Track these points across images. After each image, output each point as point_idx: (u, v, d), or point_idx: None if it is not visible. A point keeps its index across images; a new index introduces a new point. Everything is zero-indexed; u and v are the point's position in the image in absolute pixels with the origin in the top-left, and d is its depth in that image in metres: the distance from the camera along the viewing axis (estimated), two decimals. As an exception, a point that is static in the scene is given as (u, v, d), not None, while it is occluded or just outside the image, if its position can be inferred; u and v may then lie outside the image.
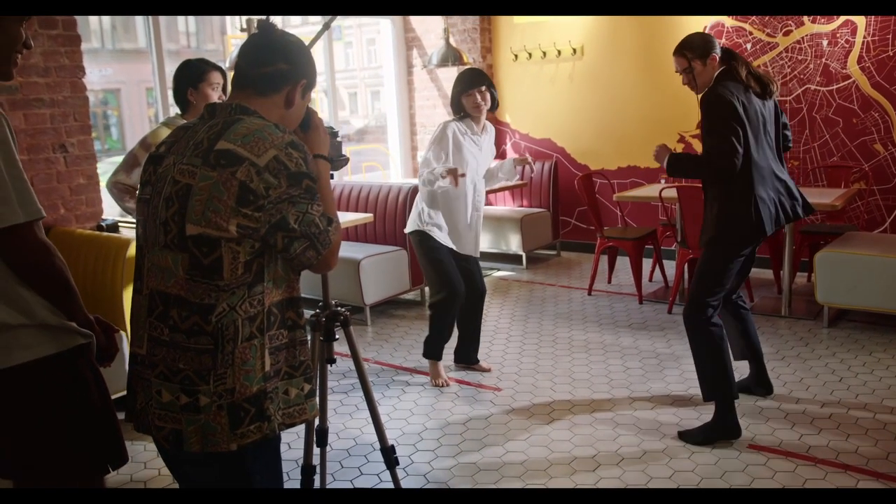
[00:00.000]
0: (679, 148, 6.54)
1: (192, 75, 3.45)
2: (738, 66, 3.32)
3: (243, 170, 1.60)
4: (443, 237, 4.00)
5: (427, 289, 5.79)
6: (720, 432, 3.37)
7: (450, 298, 4.05)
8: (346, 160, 2.39)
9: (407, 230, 4.13)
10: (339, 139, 2.39)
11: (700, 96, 3.33)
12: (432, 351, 4.19)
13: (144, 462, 3.42)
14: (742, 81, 3.30)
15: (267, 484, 1.80)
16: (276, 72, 1.76)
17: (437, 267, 4.02)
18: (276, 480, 1.84)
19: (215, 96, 3.43)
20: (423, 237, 4.01)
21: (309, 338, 4.57)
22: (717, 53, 3.35)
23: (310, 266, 1.73)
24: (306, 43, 1.92)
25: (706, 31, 6.24)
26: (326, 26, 2.72)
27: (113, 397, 2.06)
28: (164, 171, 1.71)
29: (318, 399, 1.86)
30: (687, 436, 3.40)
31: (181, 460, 1.79)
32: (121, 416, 1.93)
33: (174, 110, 3.47)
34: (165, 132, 3.46)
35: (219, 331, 1.64)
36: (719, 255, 3.37)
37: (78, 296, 1.97)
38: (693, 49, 3.36)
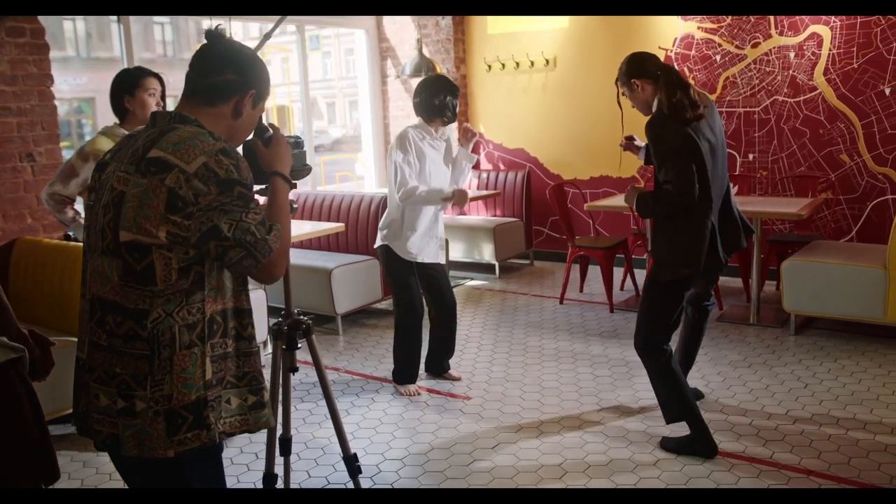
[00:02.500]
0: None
1: (127, 83, 3.45)
2: (674, 92, 3.14)
3: (172, 176, 1.61)
4: (402, 249, 4.00)
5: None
6: (696, 448, 3.33)
7: (408, 318, 4.09)
8: (309, 170, 2.39)
9: (377, 244, 4.12)
10: (303, 149, 2.39)
11: (646, 123, 3.23)
12: (404, 377, 4.20)
13: (109, 473, 3.39)
14: (682, 107, 3.12)
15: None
16: (223, 81, 1.76)
17: (397, 283, 4.07)
18: (217, 487, 1.83)
19: (153, 102, 3.43)
20: (386, 251, 4.05)
21: (270, 347, 4.55)
22: (644, 79, 3.23)
23: (250, 275, 1.74)
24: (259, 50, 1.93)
25: (676, 43, 6.32)
26: (267, 36, 2.73)
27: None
28: (106, 178, 1.72)
29: (270, 410, 1.85)
30: (665, 443, 3.41)
31: (125, 466, 1.79)
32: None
33: None
34: (104, 141, 3.47)
35: (154, 337, 1.65)
36: (669, 287, 3.29)
37: (9, 310, 1.96)
38: (620, 77, 3.33)
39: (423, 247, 4.03)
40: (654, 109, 3.25)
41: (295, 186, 2.35)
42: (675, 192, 3.11)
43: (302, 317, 2.48)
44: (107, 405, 1.69)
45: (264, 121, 2.02)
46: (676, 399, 3.35)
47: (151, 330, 1.65)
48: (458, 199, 3.97)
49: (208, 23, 5.38)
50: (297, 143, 2.31)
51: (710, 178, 3.16)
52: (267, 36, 2.94)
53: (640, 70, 3.26)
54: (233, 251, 1.66)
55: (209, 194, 1.61)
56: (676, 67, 6.08)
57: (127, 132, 3.47)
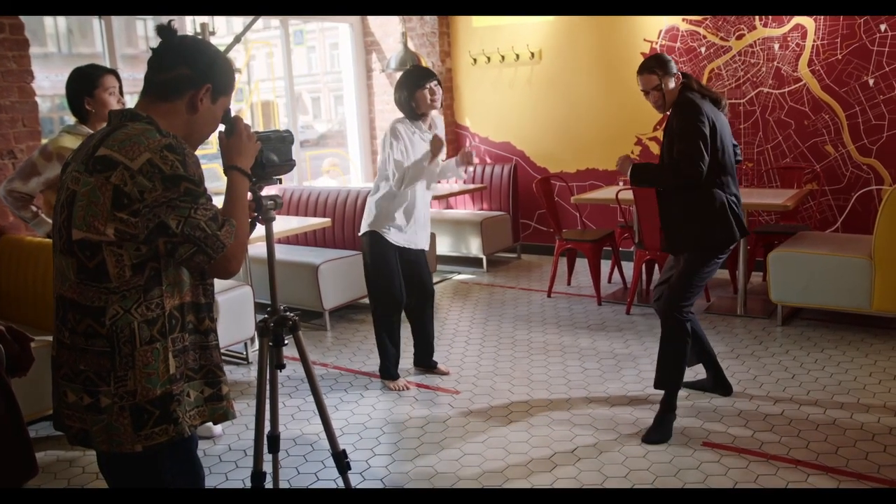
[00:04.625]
0: (636, 151, 6.61)
1: (86, 83, 3.39)
2: (695, 83, 3.47)
3: (117, 174, 1.62)
4: (395, 236, 3.99)
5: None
6: (669, 418, 3.46)
7: (390, 310, 4.09)
8: (293, 165, 2.36)
9: (360, 232, 4.10)
10: (290, 144, 2.36)
11: (670, 107, 3.45)
12: (387, 372, 4.20)
13: (96, 473, 3.36)
14: (705, 94, 3.44)
15: (181, 485, 1.82)
16: (176, 77, 1.76)
17: (380, 270, 4.03)
18: (191, 481, 1.85)
19: (114, 101, 3.39)
20: (375, 238, 4.00)
21: (258, 343, 4.51)
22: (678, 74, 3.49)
23: (204, 270, 1.75)
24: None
25: (661, 35, 6.32)
26: (237, 39, 2.70)
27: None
28: (66, 178, 1.74)
29: (229, 403, 1.88)
30: (649, 438, 3.41)
31: (102, 462, 1.83)
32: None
33: None
34: (67, 139, 3.43)
35: (113, 333, 1.68)
36: (703, 259, 3.45)
37: None
38: (663, 67, 3.43)
39: (411, 232, 4.02)
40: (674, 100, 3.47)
41: (254, 183, 2.32)
42: (688, 163, 3.31)
43: (288, 313, 2.45)
44: (74, 401, 1.73)
45: (233, 115, 1.99)
46: (668, 369, 3.50)
47: (110, 327, 1.67)
48: (435, 146, 3.88)
49: (191, 18, 5.35)
50: (283, 139, 2.29)
51: (728, 160, 3.44)
52: (237, 39, 2.91)
53: (675, 65, 3.49)
54: (182, 247, 1.66)
55: (154, 191, 1.62)
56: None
57: (91, 131, 3.43)
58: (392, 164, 3.87)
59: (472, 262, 7.03)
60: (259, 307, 4.89)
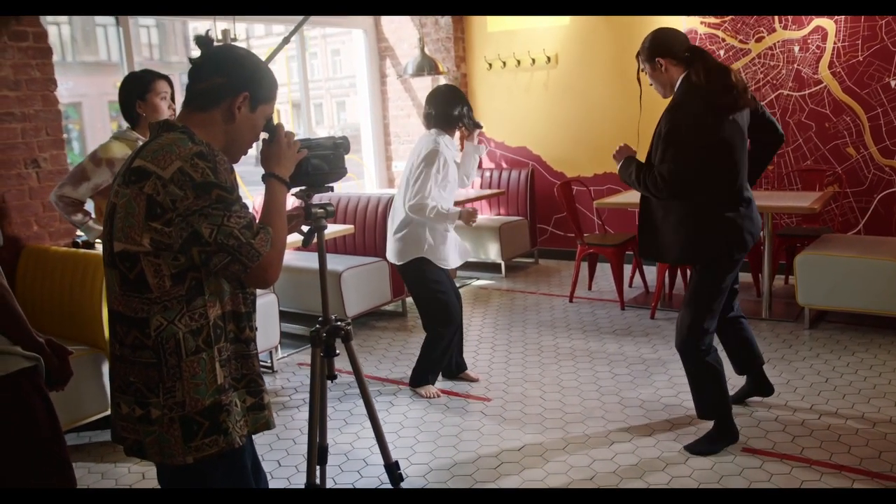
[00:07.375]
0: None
1: (138, 88, 3.39)
2: (702, 74, 2.98)
3: (150, 184, 1.62)
4: (440, 258, 3.94)
5: (409, 300, 5.75)
6: (723, 440, 3.30)
7: (452, 330, 4.06)
8: (343, 172, 2.33)
9: (403, 259, 3.95)
10: (343, 151, 2.32)
11: (668, 106, 3.06)
12: (425, 378, 4.15)
13: (129, 485, 3.33)
14: (708, 91, 2.96)
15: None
16: (212, 86, 1.76)
17: (442, 297, 3.98)
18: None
19: (164, 106, 3.39)
20: (424, 263, 3.93)
21: (281, 352, 4.44)
22: (670, 59, 3.05)
23: (240, 279, 1.74)
24: (265, 56, 1.91)
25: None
26: (286, 41, 2.68)
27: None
28: (111, 193, 1.75)
29: (270, 412, 1.87)
30: (692, 448, 3.34)
31: (159, 474, 1.86)
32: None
33: None
34: (116, 146, 3.41)
35: (159, 345, 1.67)
36: (713, 275, 3.18)
37: (23, 319, 2.01)
38: (642, 52, 3.12)
39: (452, 253, 4.00)
40: (675, 91, 3.09)
41: (302, 191, 2.30)
42: (664, 184, 2.96)
43: (340, 322, 2.42)
44: (127, 413, 1.74)
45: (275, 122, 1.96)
46: (710, 400, 3.29)
47: (155, 338, 1.67)
48: (466, 217, 3.85)
49: (193, 25, 5.33)
50: (337, 145, 2.26)
51: (739, 166, 3.08)
52: (285, 40, 2.88)
53: (666, 49, 3.06)
54: (216, 256, 1.65)
55: (186, 199, 1.61)
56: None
57: (140, 136, 3.42)
58: (420, 184, 3.78)
59: (490, 268, 7.00)
60: (283, 315, 4.86)
